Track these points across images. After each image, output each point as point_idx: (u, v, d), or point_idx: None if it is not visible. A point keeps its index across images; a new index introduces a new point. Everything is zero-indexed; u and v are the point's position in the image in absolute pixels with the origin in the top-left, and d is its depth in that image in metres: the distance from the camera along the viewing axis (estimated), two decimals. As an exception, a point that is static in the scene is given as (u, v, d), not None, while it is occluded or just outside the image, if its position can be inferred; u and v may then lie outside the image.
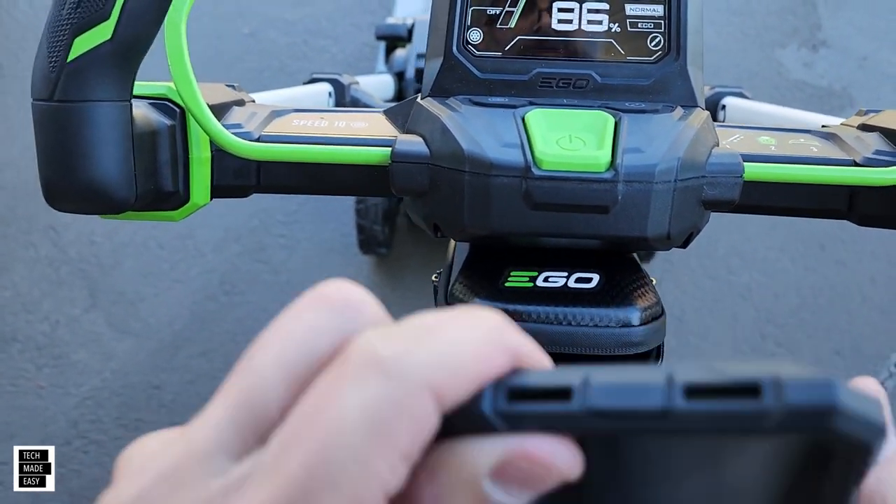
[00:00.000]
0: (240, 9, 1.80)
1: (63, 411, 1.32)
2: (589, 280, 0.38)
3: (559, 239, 0.37)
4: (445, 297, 0.40)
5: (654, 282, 0.40)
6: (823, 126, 0.44)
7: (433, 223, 0.38)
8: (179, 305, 1.44)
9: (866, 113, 0.43)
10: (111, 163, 0.35)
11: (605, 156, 0.34)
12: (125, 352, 1.40)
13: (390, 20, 1.23)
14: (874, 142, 0.40)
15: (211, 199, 0.41)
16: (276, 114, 0.42)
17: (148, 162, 0.37)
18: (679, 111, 0.38)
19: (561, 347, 0.36)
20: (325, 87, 0.75)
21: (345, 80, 0.76)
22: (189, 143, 0.39)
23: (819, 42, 1.77)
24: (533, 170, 0.34)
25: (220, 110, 0.39)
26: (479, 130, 0.35)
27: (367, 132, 0.39)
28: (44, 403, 1.34)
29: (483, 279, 0.39)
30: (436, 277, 0.46)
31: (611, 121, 0.36)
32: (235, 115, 0.41)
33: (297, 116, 0.41)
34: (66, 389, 1.36)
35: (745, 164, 0.36)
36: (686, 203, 0.35)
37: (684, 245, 0.38)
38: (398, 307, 1.39)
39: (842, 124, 0.44)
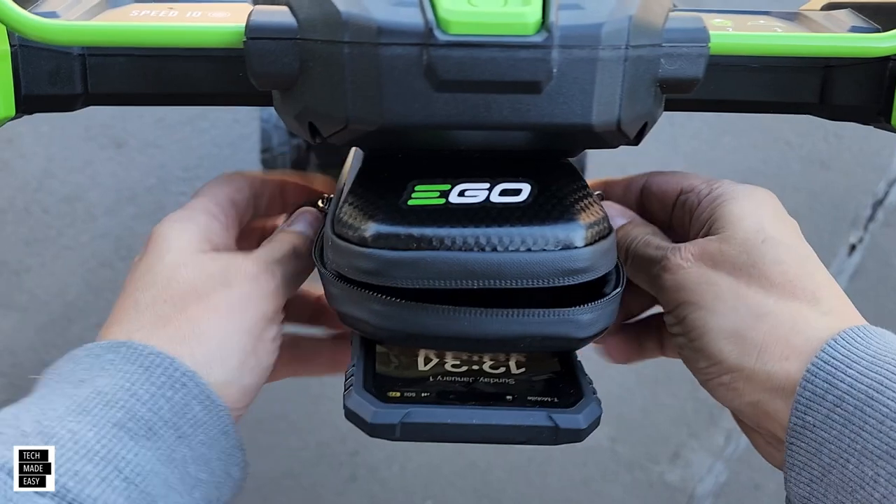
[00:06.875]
0: None
1: (-59, 398, 1.18)
2: (517, 192, 0.30)
3: (477, 133, 0.28)
4: (332, 226, 0.31)
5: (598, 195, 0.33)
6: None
7: (308, 122, 0.28)
8: (70, 274, 1.31)
9: None
10: None
11: (533, 13, 0.25)
12: (10, 328, 1.26)
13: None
14: (847, 18, 0.34)
15: (21, 111, 0.31)
16: (111, 3, 0.32)
17: None
18: None
19: (485, 281, 0.28)
20: None
21: None
22: None
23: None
24: (437, 34, 0.25)
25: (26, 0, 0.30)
26: None
27: (225, 21, 0.29)
28: (-82, 391, 1.20)
29: (379, 197, 0.30)
30: (323, 202, 0.37)
31: None
32: (51, 3, 0.31)
33: (137, 7, 0.32)
34: (-56, 374, 1.22)
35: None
36: (640, 80, 0.27)
37: (637, 140, 0.30)
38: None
39: (801, 9, 0.38)
